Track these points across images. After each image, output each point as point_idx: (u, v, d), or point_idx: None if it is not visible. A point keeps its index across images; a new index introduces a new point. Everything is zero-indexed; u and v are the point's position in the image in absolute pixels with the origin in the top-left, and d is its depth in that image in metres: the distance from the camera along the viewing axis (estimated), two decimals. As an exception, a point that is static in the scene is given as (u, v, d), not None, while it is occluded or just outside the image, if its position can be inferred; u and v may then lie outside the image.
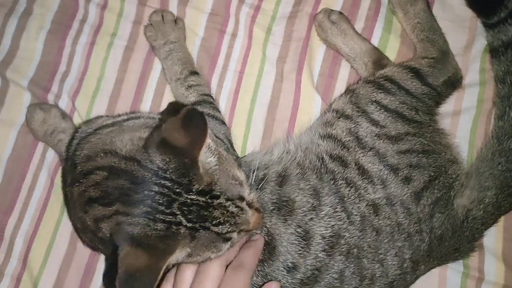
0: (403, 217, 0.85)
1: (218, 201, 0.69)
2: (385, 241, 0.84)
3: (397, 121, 0.90)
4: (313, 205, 0.85)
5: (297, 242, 0.83)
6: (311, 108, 1.08)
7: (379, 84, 0.94)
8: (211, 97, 1.08)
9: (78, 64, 1.15)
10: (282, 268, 0.82)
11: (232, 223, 0.70)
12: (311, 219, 0.84)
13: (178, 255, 0.69)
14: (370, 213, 0.85)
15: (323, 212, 0.85)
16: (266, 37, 1.12)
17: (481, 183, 0.90)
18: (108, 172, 0.70)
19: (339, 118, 0.93)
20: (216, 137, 0.98)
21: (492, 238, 0.96)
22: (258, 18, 1.13)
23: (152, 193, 0.67)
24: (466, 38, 1.07)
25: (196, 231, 0.68)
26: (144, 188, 0.67)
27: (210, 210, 0.68)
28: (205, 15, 1.15)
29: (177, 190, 0.67)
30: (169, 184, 0.67)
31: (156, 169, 0.68)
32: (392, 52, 1.08)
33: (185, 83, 1.05)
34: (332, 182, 0.87)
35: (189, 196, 0.68)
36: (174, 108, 0.80)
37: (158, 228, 0.67)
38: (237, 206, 0.71)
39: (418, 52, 1.03)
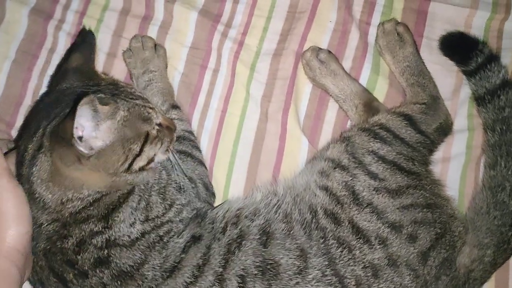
0: (410, 280, 0.73)
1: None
2: None
3: (396, 173, 0.80)
4: (299, 268, 0.73)
5: None
6: (297, 151, 0.96)
7: (374, 132, 0.83)
8: (192, 134, 0.95)
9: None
10: None
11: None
12: (297, 283, 0.72)
13: None
14: (368, 276, 0.73)
15: (310, 276, 0.72)
16: (250, 74, 1.00)
17: (480, 240, 0.80)
18: None
19: (335, 168, 0.81)
20: (188, 177, 0.85)
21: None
22: (241, 54, 1.01)
23: None
24: (454, 82, 0.98)
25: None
26: None
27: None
28: (186, 49, 1.02)
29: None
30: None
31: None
32: (381, 94, 0.97)
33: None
34: (321, 241, 0.75)
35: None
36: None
37: None
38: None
39: (408, 97, 0.93)
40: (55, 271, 0.72)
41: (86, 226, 0.72)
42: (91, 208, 0.73)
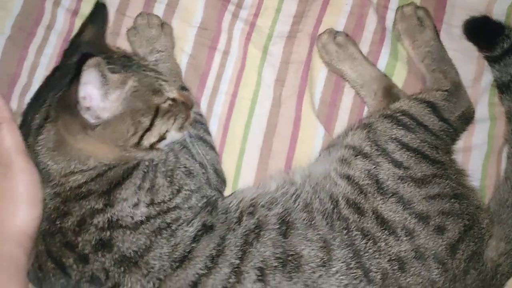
0: (438, 274, 0.69)
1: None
2: None
3: (421, 161, 0.75)
4: (323, 260, 0.68)
5: None
6: (312, 138, 0.91)
7: (397, 119, 0.78)
8: (202, 117, 0.89)
9: (42, 77, 0.88)
10: None
11: None
12: (320, 276, 0.67)
13: None
14: (394, 270, 0.68)
15: (334, 269, 0.68)
16: (263, 57, 0.94)
17: (507, 233, 0.76)
18: None
19: (356, 156, 0.76)
20: (198, 162, 0.80)
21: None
22: (253, 36, 0.95)
23: None
24: (474, 69, 0.93)
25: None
26: None
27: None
28: (193, 29, 0.96)
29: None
30: None
31: None
32: (399, 80, 0.93)
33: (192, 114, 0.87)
34: (345, 232, 0.70)
35: None
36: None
37: None
38: None
39: (430, 84, 0.88)
40: (53, 255, 0.67)
41: (87, 203, 0.68)
42: (93, 183, 0.69)
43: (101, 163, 0.70)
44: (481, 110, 0.91)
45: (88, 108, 0.65)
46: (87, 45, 0.76)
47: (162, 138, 0.72)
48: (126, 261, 0.67)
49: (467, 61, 0.94)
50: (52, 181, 0.69)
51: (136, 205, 0.69)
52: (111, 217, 0.68)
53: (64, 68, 0.75)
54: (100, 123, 0.67)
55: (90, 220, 0.67)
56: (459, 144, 0.88)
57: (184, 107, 0.74)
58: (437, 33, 0.92)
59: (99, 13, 0.80)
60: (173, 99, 0.73)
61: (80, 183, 0.69)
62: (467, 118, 0.86)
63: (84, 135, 0.68)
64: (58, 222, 0.68)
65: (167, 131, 0.72)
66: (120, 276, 0.66)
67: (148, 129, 0.70)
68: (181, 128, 0.74)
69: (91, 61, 0.62)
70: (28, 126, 0.71)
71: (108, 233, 0.67)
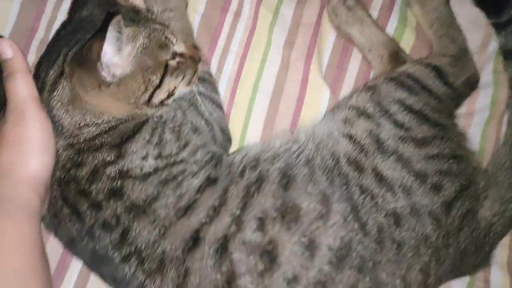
0: (432, 230, 0.72)
1: None
2: (409, 255, 0.70)
3: (422, 123, 0.77)
4: (321, 213, 0.71)
5: (300, 252, 0.69)
6: (318, 100, 0.93)
7: (401, 82, 0.80)
8: (211, 76, 0.91)
9: (58, 32, 0.94)
10: (282, 280, 0.68)
11: None
12: (318, 227, 0.70)
13: None
14: (390, 224, 0.71)
15: (332, 221, 0.70)
16: (273, 19, 0.95)
17: (502, 194, 0.78)
18: None
19: (359, 116, 0.78)
20: (205, 119, 0.82)
21: (499, 248, 0.85)
22: (264, -2, 0.96)
23: None
24: (482, 37, 0.94)
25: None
26: None
27: None
28: (207, -11, 0.97)
29: None
30: None
31: None
32: (407, 45, 0.94)
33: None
34: (344, 187, 0.73)
35: None
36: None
37: None
38: None
39: (437, 49, 0.89)
40: (68, 202, 0.71)
41: (99, 155, 0.71)
42: (106, 135, 0.72)
43: (114, 118, 0.73)
44: (486, 76, 0.92)
45: (104, 64, 0.67)
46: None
47: (171, 94, 0.75)
48: (135, 209, 0.70)
49: (475, 28, 0.94)
50: (66, 133, 0.72)
51: (144, 157, 0.72)
52: (122, 167, 0.71)
53: (75, 23, 0.76)
54: (114, 81, 0.69)
55: (103, 170, 0.71)
56: (462, 109, 0.89)
57: (192, 62, 0.76)
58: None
59: None
60: (181, 54, 0.74)
61: (93, 135, 0.72)
62: (472, 84, 0.87)
63: (98, 92, 0.70)
64: (73, 172, 0.71)
65: (175, 87, 0.75)
66: (130, 222, 0.70)
67: (158, 87, 0.72)
68: (189, 83, 0.76)
69: (116, 19, 0.63)
70: (43, 81, 0.73)
71: (119, 182, 0.70)
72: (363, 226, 0.71)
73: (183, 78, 0.75)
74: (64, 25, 0.79)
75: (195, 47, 0.90)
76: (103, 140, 0.72)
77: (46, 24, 0.95)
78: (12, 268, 0.66)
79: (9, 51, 0.71)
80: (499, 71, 0.93)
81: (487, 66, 0.93)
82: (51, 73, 0.72)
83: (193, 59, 0.77)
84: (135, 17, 0.73)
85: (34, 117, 0.69)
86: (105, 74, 0.67)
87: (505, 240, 0.86)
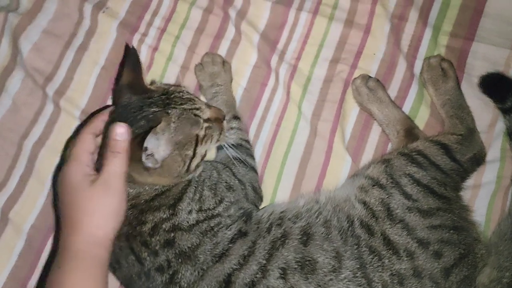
0: None
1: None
2: None
3: (428, 196, 0.87)
4: (334, 267, 0.81)
5: None
6: (340, 168, 1.05)
7: (412, 157, 0.91)
8: (249, 143, 1.05)
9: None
10: None
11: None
12: (331, 279, 0.81)
13: None
14: (394, 283, 0.81)
15: (343, 275, 0.81)
16: (303, 94, 1.09)
17: (501, 263, 0.86)
18: None
19: (373, 186, 0.89)
20: (238, 179, 0.95)
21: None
22: (295, 76, 1.10)
23: None
24: (490, 116, 1.04)
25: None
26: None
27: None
28: (250, 67, 1.12)
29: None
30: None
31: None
32: (422, 121, 1.05)
33: (227, 125, 1.03)
34: (355, 247, 0.84)
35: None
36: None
37: None
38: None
39: (447, 128, 1.00)
40: (134, 251, 0.84)
41: (158, 214, 0.84)
42: (163, 196, 0.85)
43: (165, 186, 0.86)
44: (494, 152, 1.02)
45: (146, 156, 0.78)
46: (127, 88, 0.84)
47: (203, 157, 0.87)
48: (182, 255, 0.83)
49: (484, 108, 1.05)
50: (128, 197, 0.83)
51: (189, 212, 0.86)
52: (174, 222, 0.84)
53: (118, 109, 0.84)
54: (157, 166, 0.80)
55: (160, 225, 0.84)
56: (470, 181, 0.99)
57: (217, 123, 0.88)
58: (458, 83, 1.03)
59: (131, 57, 0.86)
60: (207, 119, 0.86)
61: (152, 196, 0.85)
62: (478, 160, 0.97)
63: (148, 174, 0.81)
64: (138, 228, 0.84)
65: (206, 151, 0.87)
66: (178, 265, 0.82)
67: (192, 157, 0.84)
68: (217, 141, 0.89)
69: (160, 127, 0.77)
70: None
71: (172, 234, 0.84)
72: (369, 282, 0.81)
73: (211, 141, 0.87)
74: (111, 112, 0.85)
75: (237, 117, 1.04)
76: (161, 201, 0.85)
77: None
78: None
79: (125, 136, 0.75)
80: (506, 148, 1.02)
81: (495, 143, 1.03)
82: None
83: (218, 120, 0.88)
84: (167, 100, 0.83)
85: (120, 191, 0.77)
86: (148, 163, 0.79)
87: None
